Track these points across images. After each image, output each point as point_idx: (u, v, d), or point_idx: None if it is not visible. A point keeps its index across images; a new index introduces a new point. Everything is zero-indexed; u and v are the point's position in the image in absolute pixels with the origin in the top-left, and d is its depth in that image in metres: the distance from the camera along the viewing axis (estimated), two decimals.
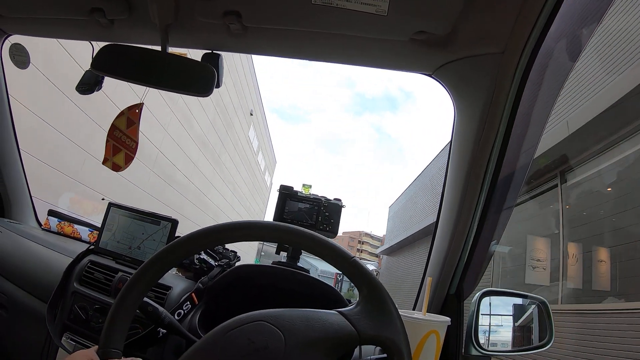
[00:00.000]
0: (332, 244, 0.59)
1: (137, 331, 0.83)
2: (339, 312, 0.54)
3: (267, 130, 21.34)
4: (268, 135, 21.91)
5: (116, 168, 0.94)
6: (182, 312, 0.84)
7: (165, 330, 0.81)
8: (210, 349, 0.52)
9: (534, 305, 0.95)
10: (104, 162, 0.94)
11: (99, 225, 1.03)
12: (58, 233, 1.21)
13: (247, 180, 17.29)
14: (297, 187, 0.89)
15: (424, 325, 0.75)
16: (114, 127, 0.93)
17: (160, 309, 0.77)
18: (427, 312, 0.80)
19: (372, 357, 0.78)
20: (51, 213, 1.23)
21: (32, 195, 1.26)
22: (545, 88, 0.80)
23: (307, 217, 0.83)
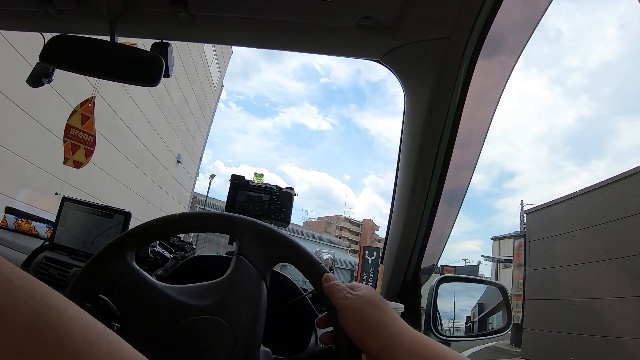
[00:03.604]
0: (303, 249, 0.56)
1: None
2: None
3: None
4: None
5: (77, 165, 0.93)
6: None
7: (119, 325, 0.80)
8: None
9: (493, 291, 0.95)
10: (64, 162, 0.93)
11: None
12: (15, 230, 1.19)
13: None
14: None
15: None
16: (69, 127, 0.92)
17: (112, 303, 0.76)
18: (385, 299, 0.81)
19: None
20: (8, 210, 1.20)
21: None
22: (494, 73, 0.81)
23: (258, 207, 0.83)
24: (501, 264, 17.91)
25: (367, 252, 8.79)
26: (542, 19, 0.80)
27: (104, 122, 5.88)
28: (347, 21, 0.74)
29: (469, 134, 0.79)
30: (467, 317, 0.96)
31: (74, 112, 0.95)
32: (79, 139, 0.96)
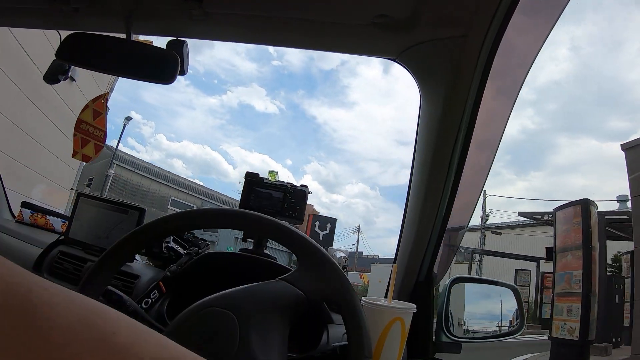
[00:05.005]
0: (268, 220, 0.58)
1: None
2: (281, 279, 0.55)
3: None
4: None
5: (86, 159, 0.95)
6: (150, 300, 0.84)
7: None
8: None
9: (505, 292, 0.94)
10: (73, 155, 0.95)
11: None
12: (31, 225, 1.21)
13: None
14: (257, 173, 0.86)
15: (388, 312, 0.74)
16: (80, 121, 0.93)
17: (125, 297, 0.76)
18: (397, 299, 0.80)
19: (337, 343, 0.78)
20: (24, 205, 1.22)
21: (5, 187, 1.25)
22: (511, 71, 0.79)
23: (273, 204, 0.83)
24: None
25: (317, 223, 5.96)
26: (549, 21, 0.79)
27: None
28: (362, 19, 0.73)
29: (484, 133, 0.78)
30: (478, 318, 0.96)
31: (86, 107, 0.96)
32: (89, 134, 0.97)
